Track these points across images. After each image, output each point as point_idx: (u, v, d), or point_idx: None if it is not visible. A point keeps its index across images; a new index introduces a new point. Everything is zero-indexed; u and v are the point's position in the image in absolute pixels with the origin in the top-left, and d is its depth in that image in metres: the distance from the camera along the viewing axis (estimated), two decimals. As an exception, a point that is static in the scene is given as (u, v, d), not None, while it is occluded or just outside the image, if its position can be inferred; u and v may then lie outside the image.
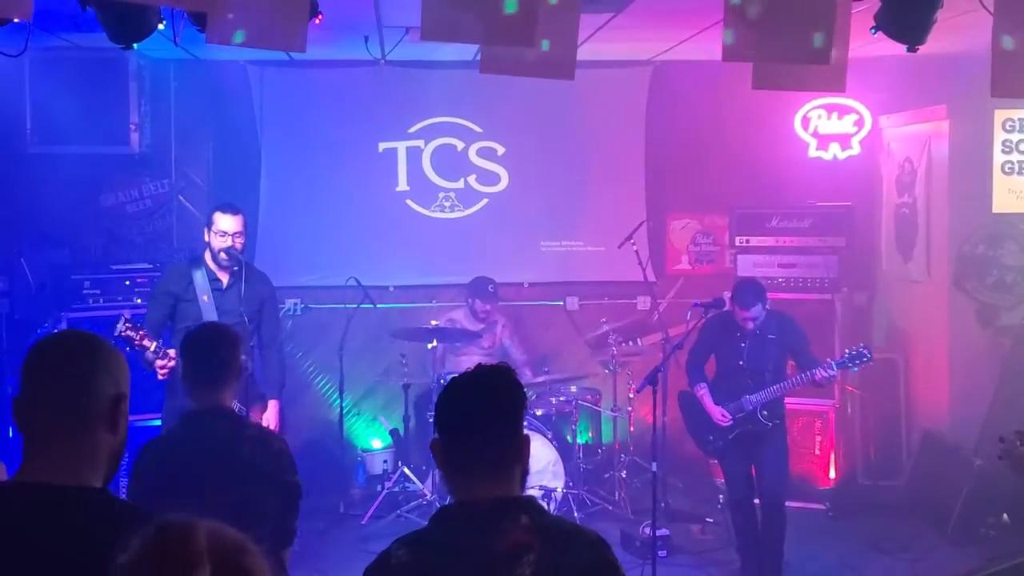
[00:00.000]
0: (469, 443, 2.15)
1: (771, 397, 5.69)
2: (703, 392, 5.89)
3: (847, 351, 5.72)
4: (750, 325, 5.68)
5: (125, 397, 2.04)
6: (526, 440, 2.20)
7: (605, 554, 2.13)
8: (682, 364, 6.10)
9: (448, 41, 3.80)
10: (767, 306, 5.72)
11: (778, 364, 5.78)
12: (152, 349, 5.05)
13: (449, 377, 2.30)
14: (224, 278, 5.54)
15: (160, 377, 5.11)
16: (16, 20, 3.50)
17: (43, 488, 1.90)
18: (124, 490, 6.31)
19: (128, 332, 4.95)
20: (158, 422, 5.50)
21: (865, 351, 5.64)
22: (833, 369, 5.58)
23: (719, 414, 5.79)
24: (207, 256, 5.55)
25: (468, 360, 7.37)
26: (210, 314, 5.41)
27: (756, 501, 5.85)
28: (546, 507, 2.32)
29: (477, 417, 2.16)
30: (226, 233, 5.47)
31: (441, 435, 2.19)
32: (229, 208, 5.57)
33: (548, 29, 3.79)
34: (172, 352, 5.08)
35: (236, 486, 3.04)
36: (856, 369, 5.82)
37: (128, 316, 5.11)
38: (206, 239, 5.57)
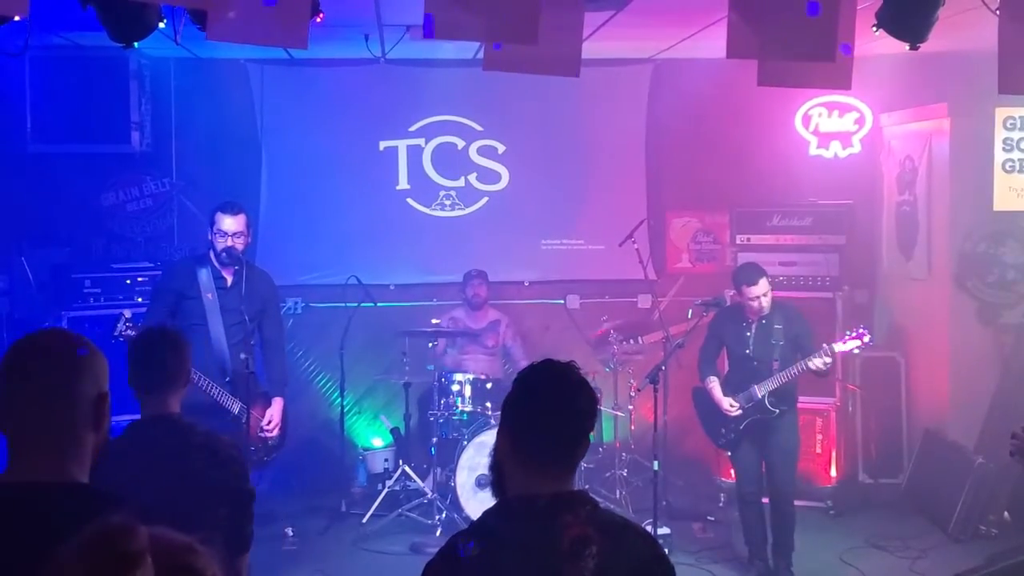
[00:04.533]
0: (543, 440, 2.16)
1: (777, 384, 5.73)
2: (712, 384, 5.94)
3: (846, 332, 5.78)
4: (758, 304, 5.72)
5: (106, 396, 2.04)
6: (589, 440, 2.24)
7: (656, 547, 2.21)
8: (683, 363, 6.11)
9: (452, 39, 3.79)
10: (771, 286, 5.80)
11: (785, 353, 5.82)
12: None
13: (522, 370, 2.26)
14: (229, 277, 5.51)
15: None
16: (16, 18, 3.48)
17: (31, 486, 1.91)
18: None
19: (128, 332, 4.83)
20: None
21: (864, 331, 5.69)
22: (830, 354, 5.59)
23: (727, 404, 5.83)
24: (212, 254, 5.51)
25: (472, 359, 7.37)
26: (213, 312, 5.37)
27: (764, 500, 5.89)
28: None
29: (557, 415, 2.17)
30: (226, 233, 5.42)
31: (513, 429, 2.18)
32: (230, 208, 5.51)
33: (552, 26, 3.77)
34: None
35: (181, 496, 2.94)
36: (858, 351, 5.83)
37: (129, 315, 4.98)
38: (209, 237, 5.55)
